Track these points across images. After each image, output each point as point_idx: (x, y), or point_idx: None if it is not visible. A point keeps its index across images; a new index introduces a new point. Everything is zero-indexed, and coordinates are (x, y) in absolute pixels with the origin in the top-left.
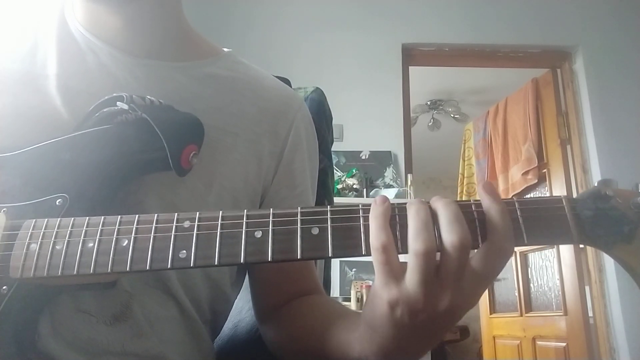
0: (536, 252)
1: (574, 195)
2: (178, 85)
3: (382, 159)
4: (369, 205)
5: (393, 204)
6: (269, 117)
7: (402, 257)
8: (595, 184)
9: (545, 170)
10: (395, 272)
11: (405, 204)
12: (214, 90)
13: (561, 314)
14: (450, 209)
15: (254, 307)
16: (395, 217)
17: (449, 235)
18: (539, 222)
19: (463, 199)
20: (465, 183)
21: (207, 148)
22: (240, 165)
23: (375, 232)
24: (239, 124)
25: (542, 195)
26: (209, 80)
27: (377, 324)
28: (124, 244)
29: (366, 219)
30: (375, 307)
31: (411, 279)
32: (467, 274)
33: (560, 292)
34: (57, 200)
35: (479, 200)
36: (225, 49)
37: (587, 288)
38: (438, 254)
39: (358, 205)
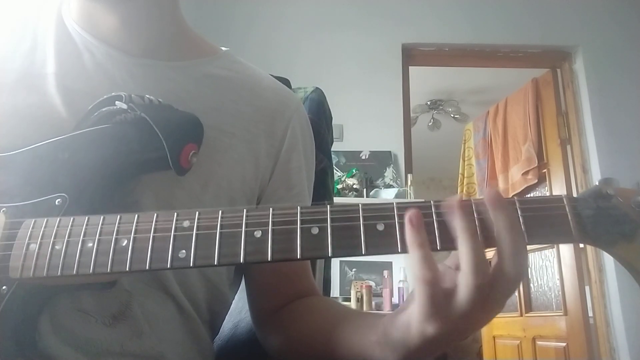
0: (536, 252)
1: (575, 195)
2: (175, 85)
3: (382, 159)
4: (369, 204)
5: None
6: (265, 117)
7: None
8: (597, 183)
9: (545, 170)
10: (440, 302)
11: (439, 203)
12: (211, 89)
13: (561, 314)
14: (512, 238)
15: (251, 311)
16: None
17: (512, 267)
18: (540, 221)
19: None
20: (465, 183)
21: (204, 148)
22: (237, 165)
23: (422, 264)
24: (236, 123)
25: (543, 195)
26: (206, 79)
27: (411, 345)
28: (124, 244)
29: (366, 218)
30: (410, 333)
31: (463, 309)
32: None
33: (560, 292)
34: (57, 200)
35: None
36: (223, 48)
37: (587, 288)
38: None
39: (358, 205)
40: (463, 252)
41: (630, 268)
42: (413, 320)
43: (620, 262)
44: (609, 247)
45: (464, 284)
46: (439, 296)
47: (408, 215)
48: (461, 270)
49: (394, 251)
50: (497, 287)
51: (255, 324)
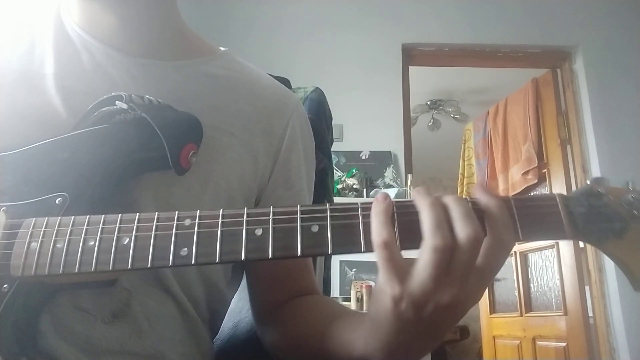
0: (536, 252)
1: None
2: (174, 85)
3: (382, 159)
4: (368, 203)
5: (394, 201)
6: (264, 116)
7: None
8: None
9: (545, 170)
10: (399, 267)
11: (409, 201)
12: (210, 89)
13: (561, 314)
14: (462, 204)
15: (252, 308)
16: (396, 215)
17: (463, 230)
18: (534, 219)
19: None
20: (465, 183)
21: (203, 147)
22: (236, 164)
23: (377, 229)
24: (235, 123)
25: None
26: (205, 79)
27: (382, 319)
28: (125, 242)
29: (365, 216)
30: (379, 302)
31: (423, 274)
32: (474, 268)
33: (560, 292)
34: (57, 199)
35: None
36: (221, 48)
37: (587, 288)
38: None
39: (357, 203)
40: (422, 217)
41: (621, 264)
42: (379, 284)
43: (611, 258)
44: (600, 243)
45: (424, 247)
46: (396, 260)
47: (377, 196)
48: (423, 236)
49: None
50: (459, 252)
51: (256, 320)
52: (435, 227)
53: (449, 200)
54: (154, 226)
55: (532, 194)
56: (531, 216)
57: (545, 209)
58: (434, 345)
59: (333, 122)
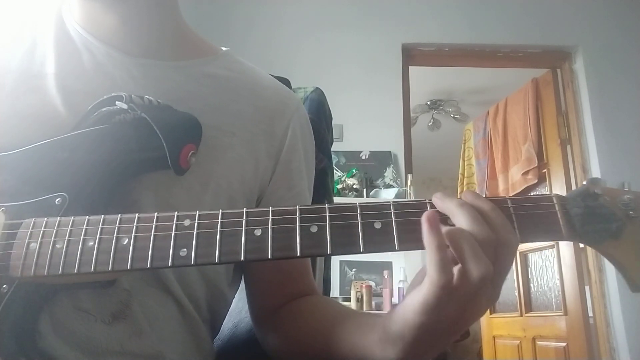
0: (536, 252)
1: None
2: (175, 85)
3: (382, 159)
4: (366, 204)
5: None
6: (266, 117)
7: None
8: (584, 183)
9: (545, 170)
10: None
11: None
12: (211, 89)
13: (561, 314)
14: (499, 213)
15: (251, 311)
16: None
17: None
18: (531, 220)
19: None
20: (465, 183)
21: (204, 147)
22: (237, 165)
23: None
24: (236, 123)
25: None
26: (206, 79)
27: (407, 337)
28: (124, 243)
29: (363, 217)
30: (407, 325)
31: (464, 300)
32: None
33: (560, 292)
34: (56, 199)
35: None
36: (223, 48)
37: (587, 288)
38: None
39: (355, 204)
40: (462, 242)
41: (617, 264)
42: (409, 311)
43: (607, 258)
44: (596, 244)
45: (468, 274)
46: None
47: (425, 215)
48: (462, 264)
49: (391, 248)
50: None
51: (255, 323)
52: (477, 258)
53: (485, 207)
54: (154, 226)
55: (532, 194)
56: (529, 217)
57: (542, 209)
58: (445, 346)
59: (333, 122)
